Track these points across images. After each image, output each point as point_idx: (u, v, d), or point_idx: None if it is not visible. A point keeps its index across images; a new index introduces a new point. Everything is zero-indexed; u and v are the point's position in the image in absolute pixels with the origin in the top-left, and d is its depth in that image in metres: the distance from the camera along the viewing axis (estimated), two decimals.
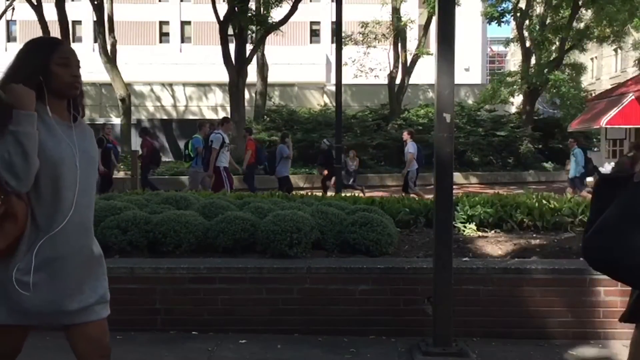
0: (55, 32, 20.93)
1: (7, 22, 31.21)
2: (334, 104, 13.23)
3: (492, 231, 5.44)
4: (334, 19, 13.67)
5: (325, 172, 18.09)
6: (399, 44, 26.29)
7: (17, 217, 2.13)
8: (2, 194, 2.11)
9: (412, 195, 11.62)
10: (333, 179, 14.91)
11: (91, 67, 27.41)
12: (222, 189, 10.20)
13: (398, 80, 26.64)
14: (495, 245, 5.01)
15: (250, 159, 13.35)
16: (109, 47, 23.29)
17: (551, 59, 26.78)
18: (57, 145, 2.18)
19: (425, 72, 24.61)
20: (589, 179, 16.34)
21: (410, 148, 13.93)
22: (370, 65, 28.14)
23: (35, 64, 2.21)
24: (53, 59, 2.22)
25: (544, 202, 5.71)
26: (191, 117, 31.65)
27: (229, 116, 23.19)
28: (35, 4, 20.85)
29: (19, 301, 2.16)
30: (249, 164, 13.42)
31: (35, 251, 2.16)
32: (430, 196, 4.99)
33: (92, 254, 2.38)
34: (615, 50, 35.05)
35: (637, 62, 29.97)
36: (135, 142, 25.21)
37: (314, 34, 37.10)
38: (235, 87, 21.41)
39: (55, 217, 2.20)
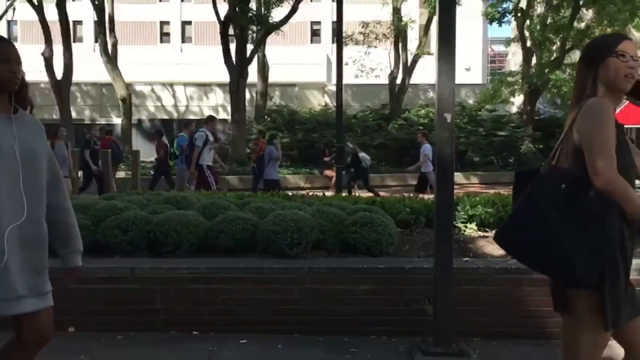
0: (55, 32, 20.96)
1: (8, 22, 31.17)
2: (335, 104, 13.23)
3: (493, 231, 5.44)
4: (334, 19, 13.65)
5: (327, 171, 18.11)
6: (400, 44, 26.29)
7: None
8: None
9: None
10: (333, 179, 14.96)
11: (92, 67, 27.55)
12: (205, 187, 10.12)
13: (399, 81, 26.64)
14: (496, 245, 5.00)
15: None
16: (109, 47, 23.32)
17: (552, 58, 26.77)
18: None
19: (426, 72, 24.56)
20: None
21: (426, 149, 14.00)
22: (370, 65, 28.12)
23: None
24: None
25: None
26: (192, 117, 31.56)
27: (230, 116, 23.26)
28: (36, 4, 20.87)
29: None
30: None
31: None
32: (431, 196, 5.00)
33: (39, 245, 2.42)
34: None
35: None
36: (136, 143, 25.27)
37: (315, 34, 37.08)
38: (236, 87, 21.42)
39: None
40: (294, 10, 21.27)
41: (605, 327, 2.27)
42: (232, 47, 21.16)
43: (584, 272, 2.22)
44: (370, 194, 12.61)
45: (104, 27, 22.92)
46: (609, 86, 2.37)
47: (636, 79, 2.37)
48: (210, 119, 11.28)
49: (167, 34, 37.34)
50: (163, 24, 37.20)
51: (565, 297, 2.38)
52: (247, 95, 23.53)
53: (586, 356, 2.34)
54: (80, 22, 34.30)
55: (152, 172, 15.89)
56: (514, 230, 2.41)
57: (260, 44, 23.34)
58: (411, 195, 7.41)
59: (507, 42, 31.93)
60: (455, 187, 4.20)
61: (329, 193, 8.93)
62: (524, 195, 2.40)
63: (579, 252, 2.22)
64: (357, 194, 10.28)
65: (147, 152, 23.27)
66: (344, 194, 9.57)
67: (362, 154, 15.40)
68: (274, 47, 28.58)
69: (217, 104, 32.41)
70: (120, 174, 17.05)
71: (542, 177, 2.39)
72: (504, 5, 26.37)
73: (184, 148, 11.33)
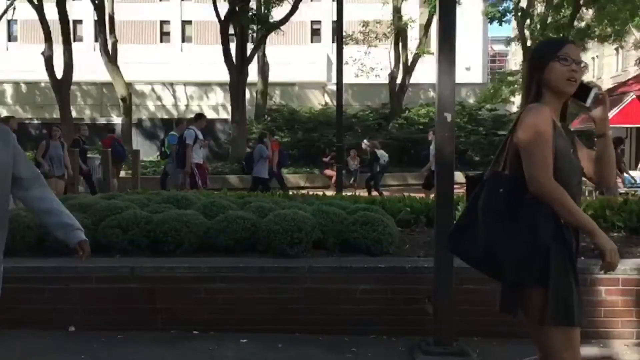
0: (55, 31, 20.94)
1: (8, 21, 31.13)
2: (335, 103, 13.23)
3: None
4: (334, 19, 13.65)
5: (327, 171, 18.10)
6: (400, 44, 26.28)
7: None
8: None
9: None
10: (333, 178, 14.96)
11: (92, 67, 27.53)
12: (192, 185, 10.09)
13: (399, 80, 26.62)
14: None
15: (275, 158, 13.74)
16: (109, 47, 23.30)
17: None
18: None
19: (426, 72, 24.56)
20: None
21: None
22: (371, 65, 28.11)
23: None
24: None
25: None
26: (192, 116, 31.61)
27: (230, 116, 23.25)
28: (36, 3, 20.83)
29: None
30: (276, 164, 13.79)
31: None
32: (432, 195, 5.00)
33: None
34: (617, 49, 34.99)
35: (638, 61, 29.90)
36: (136, 142, 25.23)
37: (315, 34, 37.04)
38: (236, 86, 21.40)
39: None
40: (294, 9, 21.24)
41: (540, 322, 2.31)
42: (232, 46, 21.13)
43: (517, 273, 2.30)
44: (374, 194, 12.62)
45: (104, 26, 22.88)
46: (552, 89, 2.41)
47: (579, 82, 2.40)
48: (199, 117, 11.32)
49: (167, 34, 37.30)
50: (163, 23, 37.17)
51: (513, 299, 2.44)
52: (247, 95, 23.50)
53: (559, 354, 2.35)
54: (80, 22, 34.27)
55: (162, 171, 15.73)
56: (459, 235, 2.51)
57: (260, 44, 23.32)
58: (411, 195, 7.40)
59: (508, 41, 31.88)
60: (455, 186, 4.21)
61: (329, 192, 8.93)
62: (469, 201, 2.51)
63: (512, 254, 2.29)
64: (358, 193, 10.26)
65: (147, 152, 23.26)
66: (365, 194, 9.52)
67: (380, 151, 15.28)
68: (274, 47, 28.56)
69: (217, 104, 32.40)
70: (120, 174, 17.00)
71: (484, 182, 2.49)
72: (504, 5, 26.35)
73: (174, 147, 11.42)
